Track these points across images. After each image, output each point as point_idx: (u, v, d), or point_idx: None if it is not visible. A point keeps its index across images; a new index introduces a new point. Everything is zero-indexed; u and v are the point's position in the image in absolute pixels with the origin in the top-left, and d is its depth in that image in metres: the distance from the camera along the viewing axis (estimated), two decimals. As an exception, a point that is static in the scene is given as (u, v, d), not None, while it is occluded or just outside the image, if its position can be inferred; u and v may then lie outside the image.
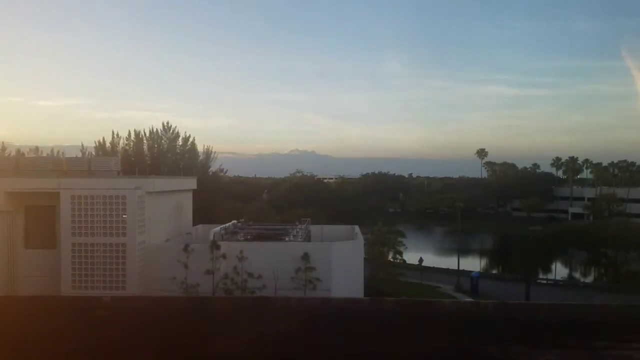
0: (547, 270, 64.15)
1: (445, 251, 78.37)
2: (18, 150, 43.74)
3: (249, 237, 22.57)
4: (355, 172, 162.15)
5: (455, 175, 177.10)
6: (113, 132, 45.99)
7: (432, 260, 63.15)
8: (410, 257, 52.05)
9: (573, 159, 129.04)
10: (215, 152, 52.04)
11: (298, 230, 23.94)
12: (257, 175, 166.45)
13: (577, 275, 64.16)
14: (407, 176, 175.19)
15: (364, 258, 23.66)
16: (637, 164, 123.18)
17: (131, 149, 45.74)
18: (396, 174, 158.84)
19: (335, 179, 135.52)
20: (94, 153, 42.85)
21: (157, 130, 46.79)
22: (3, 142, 43.25)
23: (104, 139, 44.93)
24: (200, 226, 25.48)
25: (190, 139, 48.34)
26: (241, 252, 18.27)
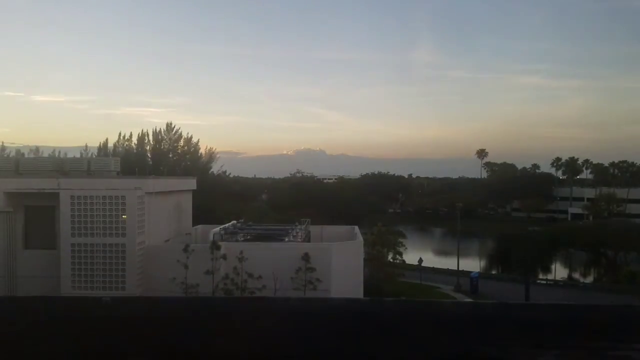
0: (547, 270, 64.16)
1: (444, 251, 78.36)
2: (18, 151, 43.81)
3: (248, 237, 22.57)
4: (355, 172, 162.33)
5: (455, 176, 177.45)
6: (120, 133, 46.46)
7: (432, 260, 63.19)
8: (410, 257, 52.10)
9: (573, 159, 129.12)
10: (217, 153, 52.38)
11: (298, 230, 23.94)
12: (257, 176, 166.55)
13: (576, 275, 64.16)
14: (406, 176, 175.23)
15: (364, 258, 23.68)
16: (637, 164, 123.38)
17: (132, 149, 46.00)
18: (396, 174, 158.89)
19: (335, 179, 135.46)
20: (95, 154, 43.09)
21: (160, 130, 47.12)
22: (3, 142, 43.40)
23: (107, 139, 45.22)
24: (200, 226, 25.49)
25: (193, 140, 48.70)
26: (241, 252, 18.27)
